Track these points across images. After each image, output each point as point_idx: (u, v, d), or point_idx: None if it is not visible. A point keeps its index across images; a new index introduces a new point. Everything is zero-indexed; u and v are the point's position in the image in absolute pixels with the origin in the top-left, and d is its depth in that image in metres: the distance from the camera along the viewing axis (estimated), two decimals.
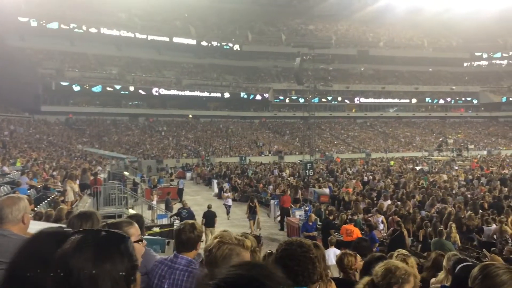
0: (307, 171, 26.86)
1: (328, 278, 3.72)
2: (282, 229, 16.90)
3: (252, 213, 16.42)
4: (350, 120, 67.04)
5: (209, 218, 14.28)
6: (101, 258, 1.16)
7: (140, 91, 54.29)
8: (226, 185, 26.22)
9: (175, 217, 14.41)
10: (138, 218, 3.69)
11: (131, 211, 15.09)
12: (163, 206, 18.59)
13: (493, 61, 76.59)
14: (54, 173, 18.92)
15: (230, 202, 19.63)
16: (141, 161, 41.84)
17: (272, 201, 19.79)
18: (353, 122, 66.68)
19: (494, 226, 11.26)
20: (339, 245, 9.29)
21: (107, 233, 1.26)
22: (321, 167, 34.83)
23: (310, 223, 12.49)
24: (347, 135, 61.37)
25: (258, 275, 1.04)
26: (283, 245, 2.37)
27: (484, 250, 9.22)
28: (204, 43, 64.66)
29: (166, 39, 61.63)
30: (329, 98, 64.46)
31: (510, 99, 68.88)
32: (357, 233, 10.67)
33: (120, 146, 45.74)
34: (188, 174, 37.15)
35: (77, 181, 15.17)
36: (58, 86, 48.85)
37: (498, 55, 75.78)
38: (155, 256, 3.21)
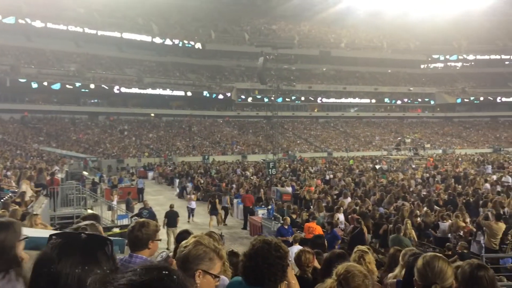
0: (270, 170, 27.00)
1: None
2: (245, 228, 16.94)
3: (213, 209, 17.10)
4: (312, 120, 67.94)
5: (171, 218, 14.14)
6: (88, 261, 1.15)
7: (100, 89, 52.90)
8: (189, 185, 26.03)
9: (136, 217, 14.15)
10: (95, 217, 3.64)
11: (90, 212, 14.70)
12: (124, 206, 18.23)
13: (449, 64, 79.55)
14: (9, 173, 18.17)
15: (193, 204, 18.67)
16: (101, 160, 40.87)
17: (235, 200, 19.79)
18: (315, 122, 67.63)
19: (449, 222, 11.71)
20: (301, 242, 9.41)
21: (90, 236, 1.25)
22: (287, 165, 35.14)
23: (286, 227, 11.70)
24: (310, 134, 62.19)
25: (152, 280, 1.01)
26: (260, 242, 2.33)
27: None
28: (166, 41, 63.75)
29: (128, 36, 60.35)
30: (293, 98, 65.09)
31: (465, 100, 71.82)
32: (318, 231, 10.81)
33: (78, 145, 44.49)
34: (150, 174, 36.61)
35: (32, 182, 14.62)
36: (14, 82, 46.89)
37: (454, 57, 78.76)
38: None
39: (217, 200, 17.75)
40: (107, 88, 53.12)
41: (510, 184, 20.03)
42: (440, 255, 2.42)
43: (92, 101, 55.84)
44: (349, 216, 12.66)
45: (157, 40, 62.92)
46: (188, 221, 17.70)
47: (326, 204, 15.49)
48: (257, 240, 2.36)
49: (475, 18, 71.01)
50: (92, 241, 1.23)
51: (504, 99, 72.08)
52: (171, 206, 14.86)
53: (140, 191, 24.39)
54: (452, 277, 2.28)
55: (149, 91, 56.27)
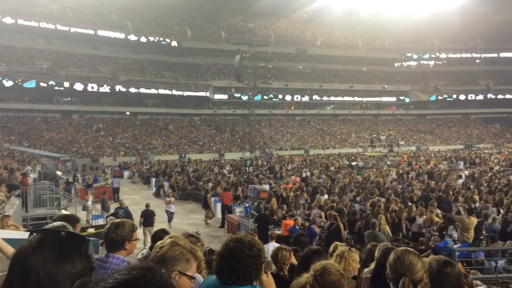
0: (247, 168, 27.05)
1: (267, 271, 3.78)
2: (222, 226, 16.92)
3: (205, 205, 18.03)
4: (289, 118, 68.27)
5: (147, 217, 13.99)
6: (61, 258, 1.16)
7: (74, 87, 51.82)
8: (165, 183, 25.83)
9: (112, 217, 13.95)
10: (74, 218, 3.59)
11: (64, 212, 14.42)
12: (99, 206, 17.97)
13: (422, 62, 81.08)
14: None
15: (173, 208, 17.36)
16: (75, 160, 40.13)
17: (212, 199, 19.73)
18: (292, 119, 67.99)
19: (423, 217, 11.96)
20: (279, 239, 9.45)
21: (69, 234, 1.27)
22: (265, 163, 35.26)
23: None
24: (286, 132, 62.49)
25: (136, 279, 1.04)
26: (232, 241, 2.32)
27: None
28: (142, 39, 62.91)
29: (102, 33, 59.25)
30: (271, 96, 65.29)
31: (438, 97, 73.39)
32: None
33: (52, 144, 43.57)
34: (126, 173, 36.17)
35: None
36: None
37: (427, 56, 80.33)
38: None
39: (208, 195, 18.07)
40: (81, 86, 52.09)
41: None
42: (411, 249, 2.48)
43: (66, 99, 54.68)
44: (327, 213, 12.78)
45: (132, 37, 62.04)
46: (170, 226, 15.87)
47: (303, 201, 15.61)
48: (230, 239, 2.35)
49: (447, 17, 72.53)
50: (69, 239, 1.24)
51: (475, 97, 74.06)
52: (147, 205, 14.71)
53: (115, 190, 24.10)
54: (422, 271, 2.34)
55: (124, 89, 55.47)
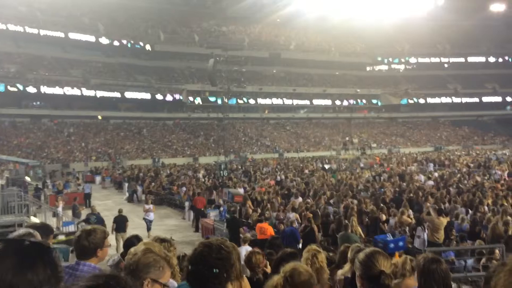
0: (221, 172, 26.98)
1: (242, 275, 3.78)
2: (197, 230, 16.80)
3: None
4: (263, 121, 68.43)
5: (120, 223, 13.78)
6: (22, 268, 1.14)
7: (43, 91, 50.57)
8: (139, 188, 25.52)
9: (83, 223, 13.68)
10: (47, 229, 3.53)
11: (34, 219, 14.05)
12: (70, 212, 17.58)
13: (393, 66, 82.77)
14: None
15: (151, 216, 16.48)
16: (45, 165, 39.15)
17: (186, 203, 19.58)
18: (266, 123, 68.19)
19: (396, 218, 12.19)
20: (254, 243, 9.45)
21: (32, 243, 1.25)
22: (239, 167, 35.24)
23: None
24: (261, 135, 62.63)
25: (99, 286, 1.04)
26: (201, 246, 2.29)
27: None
28: (114, 42, 62.03)
29: (73, 36, 58.06)
30: (245, 99, 65.33)
31: (408, 101, 75.02)
32: (270, 231, 10.93)
33: (20, 150, 42.40)
34: (98, 178, 35.51)
35: None
36: None
37: (396, 60, 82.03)
38: None
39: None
40: (50, 90, 50.89)
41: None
42: (379, 250, 2.53)
43: (35, 103, 53.31)
44: (303, 214, 12.85)
45: (104, 40, 61.07)
46: (148, 236, 14.59)
47: (278, 204, 15.67)
48: (199, 244, 2.32)
49: (416, 23, 74.44)
50: (32, 248, 1.22)
51: (443, 100, 76.12)
52: (120, 211, 14.48)
53: (87, 196, 23.63)
54: (390, 271, 2.40)
55: (96, 93, 54.50)
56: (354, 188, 19.06)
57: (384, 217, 12.72)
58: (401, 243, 8.29)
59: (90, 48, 60.09)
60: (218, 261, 2.19)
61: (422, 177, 23.27)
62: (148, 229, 16.10)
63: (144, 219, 16.41)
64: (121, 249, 11.39)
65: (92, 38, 59.86)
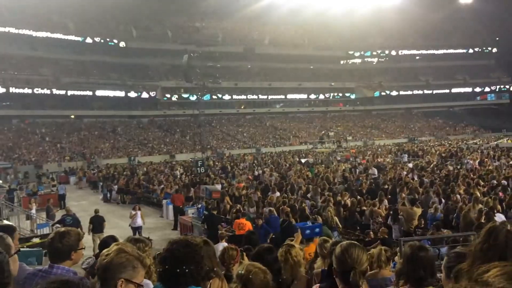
0: (198, 169, 26.86)
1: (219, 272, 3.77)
2: (175, 228, 16.70)
3: None
4: (239, 117, 68.40)
5: (97, 223, 13.56)
6: None
7: (12, 91, 49.17)
8: (115, 187, 25.19)
9: (58, 225, 13.40)
10: (10, 228, 3.43)
11: (6, 222, 13.70)
12: (44, 214, 17.20)
13: (366, 59, 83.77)
14: None
15: (139, 222, 14.79)
16: (16, 167, 38.20)
17: (164, 201, 19.43)
18: (243, 118, 68.17)
19: (368, 210, 12.40)
20: (232, 239, 9.45)
21: None
22: (217, 163, 35.14)
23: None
24: (237, 131, 62.58)
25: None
26: (170, 244, 2.29)
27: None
28: (87, 39, 60.71)
29: (41, 34, 56.54)
30: (219, 96, 65.10)
31: (382, 93, 76.17)
32: (248, 226, 10.94)
33: None
34: (72, 179, 34.86)
35: None
36: None
37: (368, 53, 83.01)
38: (25, 269, 2.95)
39: None
40: (20, 89, 49.54)
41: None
42: (356, 242, 2.58)
43: (4, 103, 51.81)
44: (280, 208, 12.91)
45: (74, 38, 59.74)
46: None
47: (256, 199, 15.71)
48: (168, 243, 2.31)
49: (388, 16, 75.49)
50: None
51: (416, 92, 77.60)
52: (96, 211, 14.24)
53: (61, 197, 23.17)
54: (367, 263, 2.45)
55: (68, 92, 53.34)
56: (331, 181, 19.26)
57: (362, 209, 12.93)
58: (317, 230, 8.64)
59: (60, 46, 58.64)
60: (186, 258, 2.18)
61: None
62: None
63: (130, 226, 14.71)
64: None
65: (61, 36, 58.46)
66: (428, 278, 2.67)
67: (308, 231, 8.47)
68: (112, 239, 4.07)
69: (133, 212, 14.98)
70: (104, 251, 2.23)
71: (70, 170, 37.93)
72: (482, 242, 1.64)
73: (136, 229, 14.55)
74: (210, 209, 13.15)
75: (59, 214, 16.69)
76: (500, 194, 13.42)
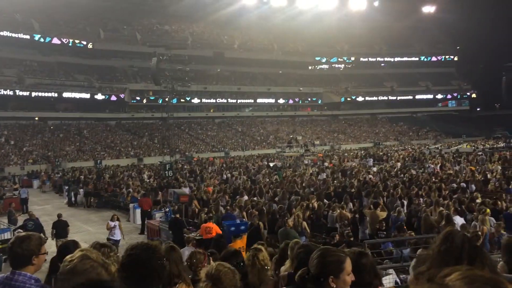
0: (166, 172, 26.67)
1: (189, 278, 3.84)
2: (142, 232, 16.55)
3: None
4: (208, 120, 68.19)
5: (60, 228, 13.25)
6: None
7: None
8: (80, 191, 24.70)
9: (20, 230, 13.05)
10: None
11: None
12: (6, 219, 16.72)
13: (333, 65, 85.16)
14: None
15: (117, 235, 13.26)
16: None
17: (131, 205, 19.21)
18: (212, 122, 68.00)
19: (336, 212, 12.68)
20: (200, 243, 9.50)
21: None
22: (185, 166, 34.89)
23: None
24: (206, 135, 62.36)
25: None
26: (127, 250, 2.24)
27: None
28: (54, 40, 59.13)
29: (4, 34, 54.66)
30: (188, 98, 64.67)
31: (348, 99, 77.60)
32: (216, 230, 11.00)
33: None
34: (36, 182, 33.90)
35: None
36: None
37: (334, 59, 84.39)
38: None
39: None
40: None
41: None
42: (333, 247, 2.64)
43: None
44: (249, 212, 13.03)
45: (39, 38, 58.15)
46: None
47: (225, 203, 15.77)
48: (127, 249, 2.27)
49: (354, 24, 77.27)
50: None
51: (381, 98, 79.50)
52: (59, 216, 13.91)
53: (23, 201, 22.50)
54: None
55: (32, 93, 51.82)
56: (299, 185, 19.52)
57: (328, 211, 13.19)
58: (242, 227, 9.01)
59: (25, 46, 56.98)
60: (146, 262, 2.14)
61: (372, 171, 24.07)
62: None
63: (107, 239, 12.52)
64: None
65: (25, 36, 56.80)
66: (373, 281, 2.77)
67: (233, 228, 8.68)
68: (74, 244, 3.91)
69: (112, 224, 13.26)
70: (67, 257, 2.22)
71: (34, 173, 36.88)
72: (440, 245, 1.76)
73: (115, 242, 12.47)
74: (176, 213, 13.11)
75: (21, 219, 16.27)
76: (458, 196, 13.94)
